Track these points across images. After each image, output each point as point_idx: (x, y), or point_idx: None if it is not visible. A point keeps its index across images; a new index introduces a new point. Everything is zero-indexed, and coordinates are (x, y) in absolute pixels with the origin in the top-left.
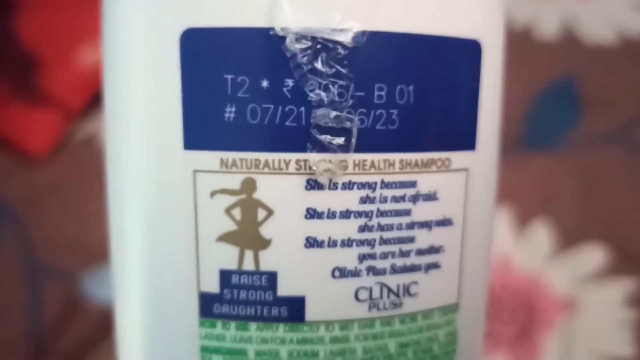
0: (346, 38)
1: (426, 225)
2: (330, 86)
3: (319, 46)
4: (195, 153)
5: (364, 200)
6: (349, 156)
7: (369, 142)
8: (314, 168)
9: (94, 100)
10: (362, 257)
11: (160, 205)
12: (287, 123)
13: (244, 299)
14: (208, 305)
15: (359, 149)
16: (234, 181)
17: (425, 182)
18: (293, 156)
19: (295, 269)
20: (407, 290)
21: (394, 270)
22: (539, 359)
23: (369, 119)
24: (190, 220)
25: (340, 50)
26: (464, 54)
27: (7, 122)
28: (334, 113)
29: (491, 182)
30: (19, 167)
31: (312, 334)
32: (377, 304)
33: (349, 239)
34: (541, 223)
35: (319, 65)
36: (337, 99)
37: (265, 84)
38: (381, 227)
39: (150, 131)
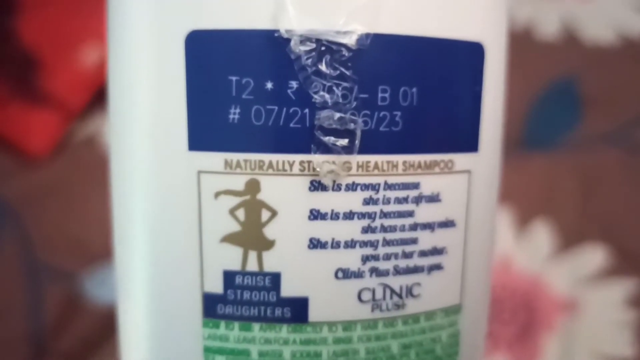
0: (350, 40)
1: (429, 226)
2: (334, 88)
3: (323, 48)
4: (199, 154)
5: (367, 201)
6: (353, 158)
7: (372, 143)
8: (318, 169)
9: (94, 100)
10: (365, 259)
11: (165, 206)
12: (291, 124)
13: (247, 299)
14: (211, 306)
15: (363, 150)
16: (238, 182)
17: (428, 184)
18: (297, 157)
19: (299, 270)
20: (409, 292)
21: (397, 271)
22: (539, 359)
23: (373, 120)
24: (194, 221)
25: (345, 53)
26: (467, 57)
27: (7, 122)
28: (337, 115)
29: (493, 184)
30: (19, 167)
31: (315, 334)
32: (380, 305)
33: (352, 240)
34: (541, 223)
35: (323, 67)
36: (341, 100)
37: (269, 85)
38: (384, 229)
39: (154, 132)
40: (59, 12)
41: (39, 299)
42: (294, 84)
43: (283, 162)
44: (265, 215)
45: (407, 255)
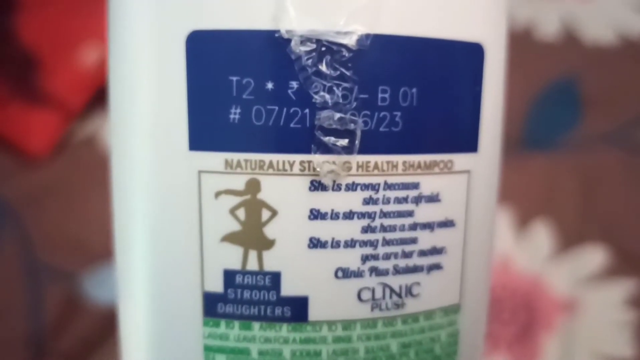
0: (350, 41)
1: (429, 226)
2: (335, 88)
3: (323, 49)
4: (200, 154)
5: (367, 201)
6: (353, 158)
7: (372, 143)
8: (318, 169)
9: (94, 100)
10: (365, 258)
11: (165, 206)
12: (292, 125)
13: (247, 298)
14: (212, 305)
15: (363, 150)
16: (239, 182)
17: (428, 184)
18: (297, 157)
19: (299, 269)
20: (409, 291)
21: (397, 271)
22: (539, 359)
23: (373, 121)
24: (194, 220)
25: (345, 53)
26: (466, 57)
27: (7, 122)
28: (338, 115)
29: (493, 184)
30: (19, 167)
31: (315, 333)
32: (379, 304)
33: (352, 240)
34: (541, 223)
35: (323, 67)
36: (341, 101)
37: (270, 85)
38: (384, 228)
39: (155, 132)
40: (59, 12)
41: (39, 299)
42: (294, 84)
43: (283, 162)
44: (265, 214)
45: (407, 255)
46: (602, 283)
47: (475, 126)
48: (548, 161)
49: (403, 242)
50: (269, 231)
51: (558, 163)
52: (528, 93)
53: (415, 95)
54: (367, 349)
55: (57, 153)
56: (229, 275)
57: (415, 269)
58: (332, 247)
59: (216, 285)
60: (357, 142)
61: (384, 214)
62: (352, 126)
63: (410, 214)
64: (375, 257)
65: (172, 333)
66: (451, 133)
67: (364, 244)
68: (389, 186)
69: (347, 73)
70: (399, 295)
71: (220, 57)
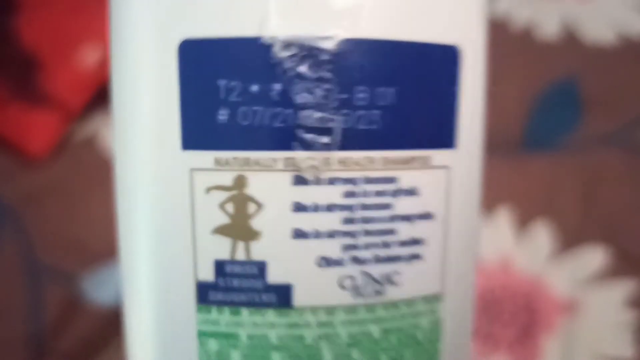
0: (330, 45)
1: (407, 218)
2: (315, 89)
3: (304, 53)
4: (192, 153)
5: (347, 194)
6: (333, 154)
7: (352, 140)
8: (301, 165)
9: (94, 101)
10: (346, 248)
11: (162, 202)
12: (276, 124)
13: (236, 286)
14: (204, 293)
15: (343, 147)
16: (227, 178)
17: (406, 178)
18: (281, 154)
19: (283, 259)
20: (389, 279)
21: (377, 260)
22: None
23: (352, 119)
24: (187, 214)
25: (325, 56)
26: (442, 59)
27: (7, 123)
28: (318, 114)
29: (474, 179)
30: (19, 167)
31: (299, 319)
32: (360, 291)
33: (333, 231)
34: (542, 224)
35: (304, 70)
36: (321, 101)
37: (255, 88)
38: (364, 220)
39: (152, 133)
40: (59, 12)
41: (39, 300)
42: (277, 86)
43: (268, 159)
44: (252, 208)
45: (386, 245)
46: (602, 284)
47: (452, 124)
48: (548, 162)
49: (383, 232)
50: (256, 223)
51: (559, 164)
52: (528, 94)
53: (392, 95)
54: (350, 334)
55: (57, 153)
56: (219, 265)
57: (395, 259)
58: (314, 237)
59: (208, 274)
60: (337, 139)
61: (364, 207)
62: (332, 124)
63: (388, 206)
64: (355, 247)
65: (170, 320)
66: (428, 130)
67: (344, 234)
68: (368, 180)
69: (327, 75)
70: (379, 283)
71: (210, 63)
